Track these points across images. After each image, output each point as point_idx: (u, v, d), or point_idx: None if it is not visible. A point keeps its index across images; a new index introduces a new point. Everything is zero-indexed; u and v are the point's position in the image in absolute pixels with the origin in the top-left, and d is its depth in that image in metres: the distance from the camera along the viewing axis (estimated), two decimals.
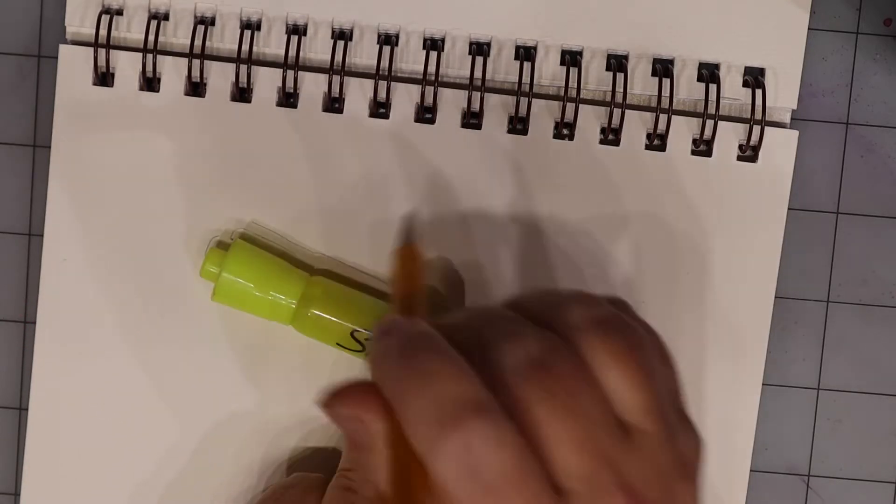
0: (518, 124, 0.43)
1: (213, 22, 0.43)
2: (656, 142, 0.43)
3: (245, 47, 0.42)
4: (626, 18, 0.43)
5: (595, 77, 0.43)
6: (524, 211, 0.43)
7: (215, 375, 0.43)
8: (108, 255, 0.43)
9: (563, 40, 0.43)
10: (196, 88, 0.43)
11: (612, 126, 0.42)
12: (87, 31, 0.42)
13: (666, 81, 0.42)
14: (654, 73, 0.43)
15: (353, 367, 0.43)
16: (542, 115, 0.43)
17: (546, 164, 0.43)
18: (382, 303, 0.42)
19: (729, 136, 0.43)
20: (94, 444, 0.43)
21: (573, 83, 0.42)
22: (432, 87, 0.42)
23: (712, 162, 0.43)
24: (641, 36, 0.43)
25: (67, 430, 0.43)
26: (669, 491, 0.32)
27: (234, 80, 0.42)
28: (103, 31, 0.42)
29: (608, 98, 0.43)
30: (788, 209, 0.43)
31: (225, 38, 0.43)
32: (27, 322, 0.44)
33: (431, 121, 0.43)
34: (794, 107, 0.43)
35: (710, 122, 0.42)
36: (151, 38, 0.42)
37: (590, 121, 0.43)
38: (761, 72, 0.43)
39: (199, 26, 0.42)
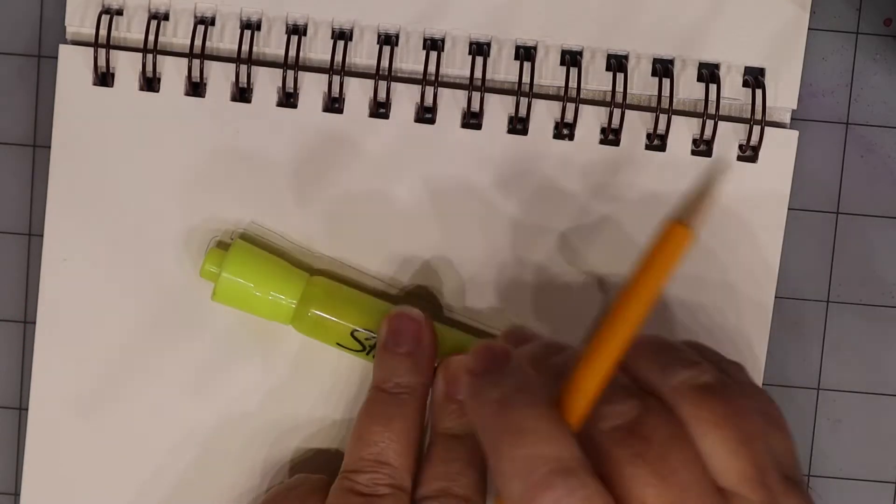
0: (518, 124, 0.43)
1: (213, 22, 0.43)
2: (656, 142, 0.43)
3: (245, 47, 0.42)
4: (627, 18, 0.43)
5: (595, 77, 0.43)
6: (524, 211, 0.43)
7: (215, 375, 0.43)
8: (108, 255, 0.43)
9: (563, 40, 0.43)
10: (196, 88, 0.43)
11: (612, 126, 0.42)
12: (87, 31, 0.42)
13: (666, 81, 0.42)
14: (654, 73, 0.43)
15: (354, 368, 0.43)
16: (542, 115, 0.43)
17: (546, 165, 0.43)
18: (382, 303, 0.42)
19: (729, 136, 0.43)
20: (94, 444, 0.43)
21: (573, 83, 0.42)
22: (432, 87, 0.42)
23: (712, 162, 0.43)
24: (641, 36, 0.43)
25: (67, 430, 0.43)
26: None
27: (234, 80, 0.42)
28: (103, 31, 0.42)
29: (608, 98, 0.43)
30: (788, 209, 0.43)
31: (225, 38, 0.43)
32: (27, 322, 0.44)
33: (431, 121, 0.43)
34: (794, 107, 0.43)
35: (710, 122, 0.42)
36: (151, 38, 0.42)
37: (590, 121, 0.43)
38: (761, 72, 0.43)
39: (199, 26, 0.42)
